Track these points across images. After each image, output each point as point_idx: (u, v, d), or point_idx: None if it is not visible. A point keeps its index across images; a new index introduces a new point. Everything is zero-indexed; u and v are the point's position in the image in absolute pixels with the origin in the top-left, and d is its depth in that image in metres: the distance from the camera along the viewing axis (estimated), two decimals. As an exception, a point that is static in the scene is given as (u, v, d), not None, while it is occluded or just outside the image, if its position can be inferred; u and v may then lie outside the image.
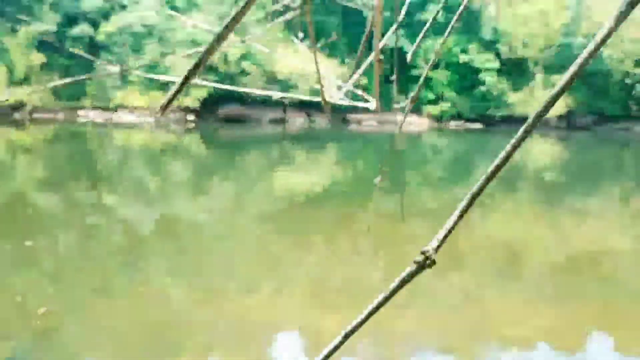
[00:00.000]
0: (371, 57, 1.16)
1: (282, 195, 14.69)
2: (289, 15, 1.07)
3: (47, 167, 19.22)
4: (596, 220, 12.87)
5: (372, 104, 1.26)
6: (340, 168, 21.20)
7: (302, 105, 39.12)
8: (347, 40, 41.98)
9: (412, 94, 1.33)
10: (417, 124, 41.69)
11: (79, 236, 9.88)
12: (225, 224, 11.49)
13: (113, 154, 23.56)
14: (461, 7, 1.18)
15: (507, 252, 9.88)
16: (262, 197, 14.53)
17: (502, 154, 0.59)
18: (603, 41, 0.54)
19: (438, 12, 1.40)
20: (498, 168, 0.60)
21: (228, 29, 0.63)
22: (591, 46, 0.54)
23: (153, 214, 11.86)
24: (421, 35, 1.43)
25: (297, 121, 39.54)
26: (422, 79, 1.45)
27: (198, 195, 14.35)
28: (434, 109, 43.29)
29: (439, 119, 43.77)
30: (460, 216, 0.61)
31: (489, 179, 0.60)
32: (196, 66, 0.63)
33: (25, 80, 37.59)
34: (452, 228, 0.62)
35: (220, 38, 0.64)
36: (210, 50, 0.62)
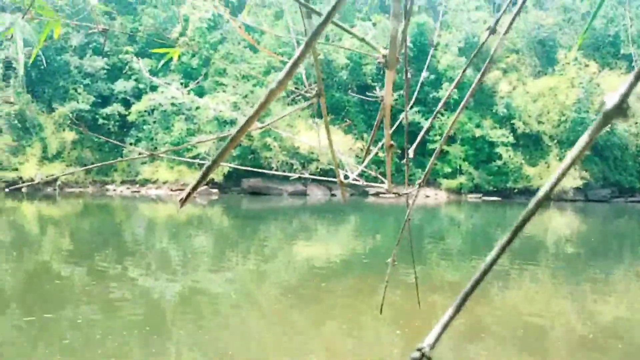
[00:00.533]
0: (384, 140, 1.26)
1: (302, 266, 15.11)
2: (306, 103, 1.17)
3: (74, 239, 19.99)
4: (619, 294, 12.93)
5: (386, 185, 1.50)
6: (360, 240, 21.63)
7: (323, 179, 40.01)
8: (364, 116, 43.49)
9: (419, 181, 1.48)
10: (434, 196, 42.21)
11: (100, 309, 10.30)
12: (245, 296, 11.87)
13: (139, 226, 24.37)
14: (473, 85, 1.23)
15: (528, 326, 9.86)
16: (282, 268, 14.97)
17: (490, 256, 0.57)
18: (575, 158, 0.50)
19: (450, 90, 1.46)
20: (485, 272, 0.58)
21: (248, 123, 0.68)
22: (566, 162, 0.50)
23: (174, 286, 12.32)
24: (434, 114, 1.58)
25: (318, 194, 40.38)
26: (434, 155, 1.57)
27: (219, 266, 14.84)
28: (451, 182, 43.92)
29: (456, 191, 44.29)
30: (456, 312, 0.58)
31: (485, 272, 0.58)
32: (213, 162, 0.67)
33: (58, 156, 39.40)
34: (448, 323, 0.58)
35: (242, 130, 0.69)
36: (222, 155, 0.67)
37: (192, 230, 23.15)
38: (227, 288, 12.34)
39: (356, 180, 1.40)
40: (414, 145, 1.51)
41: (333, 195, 40.75)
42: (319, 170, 38.20)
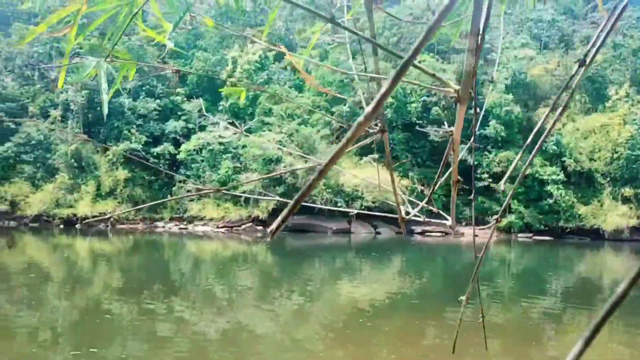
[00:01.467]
0: (439, 175, 1.28)
1: (347, 305, 14.91)
2: (369, 139, 1.16)
3: (124, 275, 20.41)
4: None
5: (449, 222, 1.46)
6: (406, 279, 21.23)
7: (367, 216, 39.83)
8: (409, 154, 43.29)
9: (495, 217, 1.40)
10: (483, 235, 41.22)
11: (146, 344, 10.40)
12: (289, 335, 11.77)
13: (186, 262, 24.71)
14: (535, 129, 1.25)
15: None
16: (327, 307, 14.81)
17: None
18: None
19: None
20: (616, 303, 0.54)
21: (325, 169, 0.72)
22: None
23: (219, 324, 12.34)
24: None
25: (362, 232, 40.10)
26: (507, 200, 1.54)
27: (263, 304, 14.81)
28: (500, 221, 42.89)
29: (506, 230, 43.17)
30: (585, 345, 0.56)
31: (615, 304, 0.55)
32: (303, 195, 0.69)
33: (111, 194, 40.71)
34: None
35: (320, 175, 0.73)
36: (311, 186, 0.69)
37: (237, 267, 23.29)
38: (271, 326, 12.27)
39: (417, 216, 1.38)
40: (503, 179, 1.49)
41: (378, 233, 40.37)
42: (363, 207, 38.06)
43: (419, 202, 1.46)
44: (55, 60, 42.52)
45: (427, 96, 44.25)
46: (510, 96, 45.75)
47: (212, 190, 1.43)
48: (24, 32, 44.81)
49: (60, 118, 42.05)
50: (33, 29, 1.50)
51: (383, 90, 0.65)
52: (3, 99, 41.71)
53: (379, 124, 1.08)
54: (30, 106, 42.44)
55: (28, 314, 12.62)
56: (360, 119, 0.65)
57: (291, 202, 0.71)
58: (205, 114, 42.03)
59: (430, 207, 1.50)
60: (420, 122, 42.73)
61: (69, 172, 40.55)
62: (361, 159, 40.76)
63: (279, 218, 0.70)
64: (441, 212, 1.53)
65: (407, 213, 1.40)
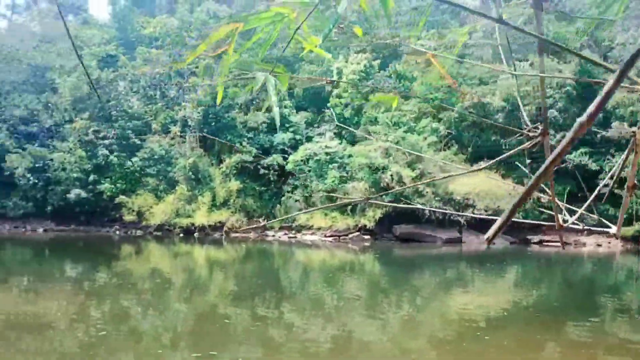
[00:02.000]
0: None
1: (461, 317, 14.41)
2: (528, 144, 1.12)
3: (238, 282, 21.24)
4: None
5: (613, 229, 1.34)
6: (524, 291, 20.15)
7: (479, 225, 38.46)
8: (523, 160, 41.19)
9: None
10: (607, 245, 38.23)
11: (260, 349, 10.72)
12: (400, 344, 11.58)
13: (295, 271, 25.26)
14: None
15: None
16: (439, 317, 14.42)
17: None
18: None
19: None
20: None
21: (560, 155, 0.71)
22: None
23: (328, 331, 12.42)
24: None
25: (474, 241, 38.70)
26: (623, 207, 1.44)
27: (372, 313, 14.70)
28: (627, 230, 39.46)
29: (632, 240, 39.64)
30: None
31: None
32: (521, 200, 0.70)
33: (225, 204, 42.70)
34: None
35: (529, 192, 0.72)
36: (520, 202, 0.68)
37: (345, 276, 23.40)
38: (381, 336, 12.15)
39: (576, 224, 1.26)
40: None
41: (492, 243, 38.69)
42: (475, 216, 36.72)
43: (576, 209, 1.34)
44: (174, 79, 45.57)
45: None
46: (635, 95, 42.16)
47: (362, 200, 1.42)
48: (147, 55, 48.56)
49: (179, 133, 44.88)
50: (196, 48, 1.62)
51: (606, 88, 0.59)
52: (130, 118, 45.29)
53: (540, 127, 0.99)
54: (153, 123, 45.70)
55: (153, 317, 13.51)
56: (583, 119, 0.60)
57: (506, 210, 0.66)
58: (355, 130, 42.79)
59: (589, 215, 1.38)
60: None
61: (187, 184, 43.09)
62: (471, 165, 39.43)
63: (496, 225, 0.66)
64: (602, 219, 1.40)
65: (564, 221, 1.27)
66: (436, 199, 38.27)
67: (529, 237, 38.75)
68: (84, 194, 42.36)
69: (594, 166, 37.86)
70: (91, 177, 43.23)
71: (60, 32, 48.03)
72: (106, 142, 44.22)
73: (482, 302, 17.03)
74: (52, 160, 43.04)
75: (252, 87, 1.56)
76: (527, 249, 36.49)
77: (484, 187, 36.69)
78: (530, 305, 16.68)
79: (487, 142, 41.21)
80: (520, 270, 26.82)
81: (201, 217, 41.42)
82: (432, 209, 40.55)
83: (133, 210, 42.29)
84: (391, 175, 38.26)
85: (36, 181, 42.56)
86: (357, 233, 39.77)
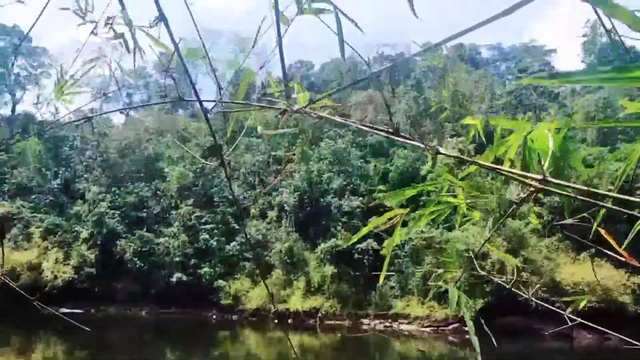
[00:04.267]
0: None
1: None
2: None
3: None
4: None
5: None
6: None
7: (592, 319, 35.04)
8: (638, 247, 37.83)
9: None
10: None
11: None
12: None
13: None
14: None
15: None
16: None
17: None
18: None
19: None
20: None
21: None
22: None
23: None
24: None
25: (587, 337, 35.22)
26: None
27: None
28: None
29: None
30: None
31: None
32: None
33: (319, 290, 42.40)
34: None
35: None
36: None
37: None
38: None
39: None
40: None
41: (607, 339, 35.06)
42: (586, 308, 33.71)
43: None
44: (272, 165, 47.42)
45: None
46: None
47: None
48: (249, 143, 51.20)
49: (275, 218, 46.00)
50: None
51: None
52: (230, 203, 47.27)
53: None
54: (251, 208, 47.31)
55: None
56: None
57: None
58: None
59: None
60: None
61: (282, 268, 43.48)
62: (579, 254, 36.82)
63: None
64: None
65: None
66: (542, 289, 35.68)
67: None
68: (185, 278, 43.91)
69: None
70: (192, 261, 44.90)
71: (171, 126, 52.17)
72: (207, 227, 46.14)
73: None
74: (157, 244, 45.38)
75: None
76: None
77: (594, 277, 33.90)
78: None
79: (595, 227, 38.36)
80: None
81: (296, 302, 41.25)
82: (537, 301, 37.51)
83: (230, 295, 43.05)
84: (492, 263, 36.42)
85: (142, 264, 44.83)
86: (457, 324, 37.61)
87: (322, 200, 46.22)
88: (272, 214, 46.35)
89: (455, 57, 66.40)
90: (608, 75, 1.03)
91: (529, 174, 1.66)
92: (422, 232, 40.86)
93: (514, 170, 1.76)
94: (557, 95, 56.64)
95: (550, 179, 1.57)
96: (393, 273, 41.01)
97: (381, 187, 46.32)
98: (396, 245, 42.07)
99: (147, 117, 61.65)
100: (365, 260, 42.40)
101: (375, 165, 49.52)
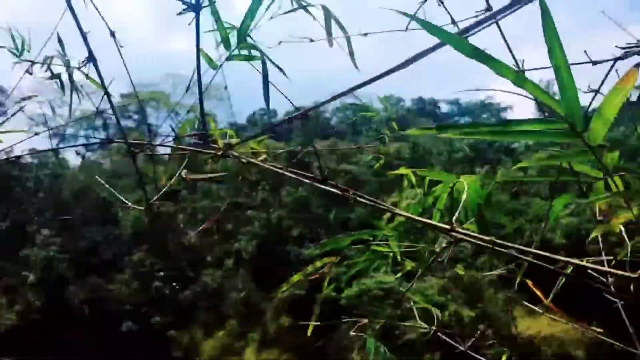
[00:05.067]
0: None
1: None
2: None
3: None
4: None
5: None
6: None
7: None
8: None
9: None
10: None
11: None
12: None
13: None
14: None
15: None
16: None
17: None
18: None
19: None
20: None
21: None
22: None
23: None
24: None
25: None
26: None
27: None
28: None
29: None
30: None
31: None
32: None
33: (276, 341, 41.29)
34: None
35: None
36: None
37: None
38: None
39: None
40: None
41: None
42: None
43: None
44: (232, 212, 46.79)
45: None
46: None
47: None
48: (208, 188, 50.58)
49: (232, 266, 45.12)
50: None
51: None
52: (185, 250, 46.25)
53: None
54: (208, 256, 46.34)
55: None
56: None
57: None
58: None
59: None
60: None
61: (238, 318, 42.33)
62: (535, 306, 37.16)
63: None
64: None
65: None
66: (500, 343, 35.70)
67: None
68: (135, 327, 42.21)
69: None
70: (143, 309, 43.31)
71: (128, 169, 51.16)
72: (161, 274, 44.84)
73: None
74: (108, 291, 43.72)
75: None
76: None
77: (550, 330, 34.22)
78: None
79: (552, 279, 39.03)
80: None
81: (250, 356, 40.02)
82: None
83: (182, 346, 41.50)
84: (449, 315, 36.37)
85: (91, 312, 42.97)
86: (414, 377, 37.07)
87: (280, 248, 45.69)
88: (229, 262, 45.45)
89: (415, 110, 68.29)
90: (484, 129, 1.18)
91: (438, 224, 1.69)
92: (380, 282, 40.67)
93: (424, 219, 1.80)
94: (512, 150, 58.52)
95: (457, 228, 1.60)
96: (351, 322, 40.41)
97: (341, 235, 46.17)
98: (355, 296, 41.72)
99: (104, 159, 60.49)
100: (324, 311, 41.75)
101: (335, 214, 49.52)
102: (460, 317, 35.82)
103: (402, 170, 2.32)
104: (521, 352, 34.86)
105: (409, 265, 2.39)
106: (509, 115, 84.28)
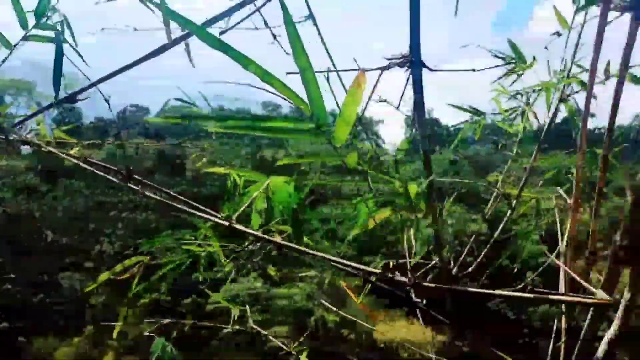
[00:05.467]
0: None
1: None
2: None
3: None
4: None
5: None
6: None
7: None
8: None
9: None
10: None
11: None
12: None
13: None
14: None
15: None
16: None
17: None
18: None
19: None
20: None
21: None
22: None
23: None
24: None
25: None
26: None
27: None
28: None
29: None
30: None
31: None
32: None
33: (135, 349, 39.68)
34: None
35: None
36: None
37: None
38: None
39: None
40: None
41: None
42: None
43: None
44: (94, 213, 44.27)
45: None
46: None
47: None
48: (69, 185, 47.39)
49: (92, 269, 42.72)
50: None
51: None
52: (46, 251, 43.06)
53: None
54: (67, 258, 43.46)
55: None
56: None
57: None
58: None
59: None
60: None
61: (96, 325, 40.14)
62: (388, 311, 39.39)
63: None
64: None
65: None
66: (362, 347, 37.30)
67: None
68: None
69: None
70: (-11, 315, 39.58)
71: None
72: (12, 275, 41.26)
73: None
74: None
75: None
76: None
77: (406, 336, 36.41)
78: None
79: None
80: None
81: (108, 363, 38.11)
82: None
83: (30, 354, 38.52)
84: (315, 320, 37.34)
85: None
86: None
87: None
88: (89, 264, 42.96)
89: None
90: (241, 123, 1.18)
91: (218, 220, 1.76)
92: (249, 288, 40.67)
93: (206, 216, 1.87)
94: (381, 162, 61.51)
95: (235, 225, 1.66)
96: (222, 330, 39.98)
97: (164, 234, 45.64)
98: (226, 299, 41.46)
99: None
100: (189, 316, 40.89)
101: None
102: (325, 322, 36.88)
103: (217, 169, 2.18)
104: (382, 355, 36.76)
105: (228, 266, 2.40)
106: (381, 130, 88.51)
